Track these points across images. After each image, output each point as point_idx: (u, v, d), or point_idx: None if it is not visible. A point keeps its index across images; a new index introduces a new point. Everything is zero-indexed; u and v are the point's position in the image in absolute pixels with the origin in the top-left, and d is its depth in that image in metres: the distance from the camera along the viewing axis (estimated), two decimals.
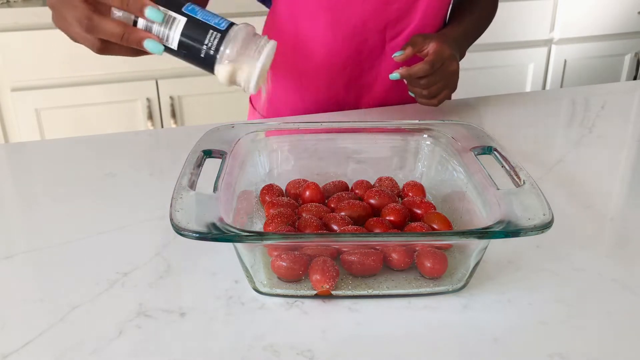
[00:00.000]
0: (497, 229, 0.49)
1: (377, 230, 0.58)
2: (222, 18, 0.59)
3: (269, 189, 0.66)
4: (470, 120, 0.92)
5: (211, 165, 0.59)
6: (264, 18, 1.01)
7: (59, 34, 0.62)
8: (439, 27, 0.96)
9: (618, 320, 0.51)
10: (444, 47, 0.85)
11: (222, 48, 0.57)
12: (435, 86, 0.86)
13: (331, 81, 0.96)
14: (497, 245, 0.60)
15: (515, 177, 0.57)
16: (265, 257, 0.55)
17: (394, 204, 0.61)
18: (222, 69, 0.58)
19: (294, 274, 0.53)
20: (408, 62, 0.86)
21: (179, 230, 0.47)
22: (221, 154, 0.61)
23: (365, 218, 0.60)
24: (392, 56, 0.85)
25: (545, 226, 0.48)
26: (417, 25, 0.92)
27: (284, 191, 0.67)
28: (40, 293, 0.54)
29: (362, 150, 0.71)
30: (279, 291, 0.53)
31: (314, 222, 0.58)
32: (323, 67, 0.95)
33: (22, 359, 0.46)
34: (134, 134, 0.94)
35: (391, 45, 0.94)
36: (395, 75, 0.85)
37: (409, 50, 0.84)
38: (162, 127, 1.88)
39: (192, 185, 0.54)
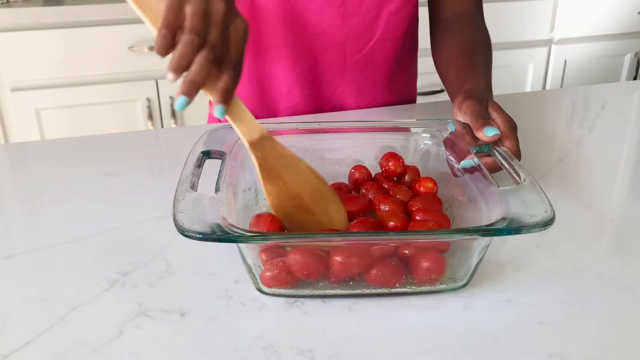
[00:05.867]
0: (499, 227, 0.49)
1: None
2: None
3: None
4: None
5: (210, 166, 0.59)
6: None
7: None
8: (400, 41, 0.95)
9: (618, 320, 0.51)
10: (507, 116, 0.69)
11: None
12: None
13: (290, 89, 0.95)
14: (497, 245, 0.60)
15: (515, 175, 0.57)
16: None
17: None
18: None
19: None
20: None
21: (183, 232, 0.47)
22: (220, 155, 0.61)
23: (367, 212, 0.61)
24: (489, 134, 0.65)
25: (547, 223, 0.48)
26: (378, 40, 0.92)
27: None
28: (40, 293, 0.54)
29: (362, 150, 0.71)
30: (282, 291, 0.53)
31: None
32: (282, 73, 0.94)
33: (22, 359, 0.46)
34: (134, 134, 0.94)
35: (353, 60, 0.93)
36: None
37: (496, 129, 0.66)
38: (162, 127, 1.88)
39: (193, 186, 0.53)
